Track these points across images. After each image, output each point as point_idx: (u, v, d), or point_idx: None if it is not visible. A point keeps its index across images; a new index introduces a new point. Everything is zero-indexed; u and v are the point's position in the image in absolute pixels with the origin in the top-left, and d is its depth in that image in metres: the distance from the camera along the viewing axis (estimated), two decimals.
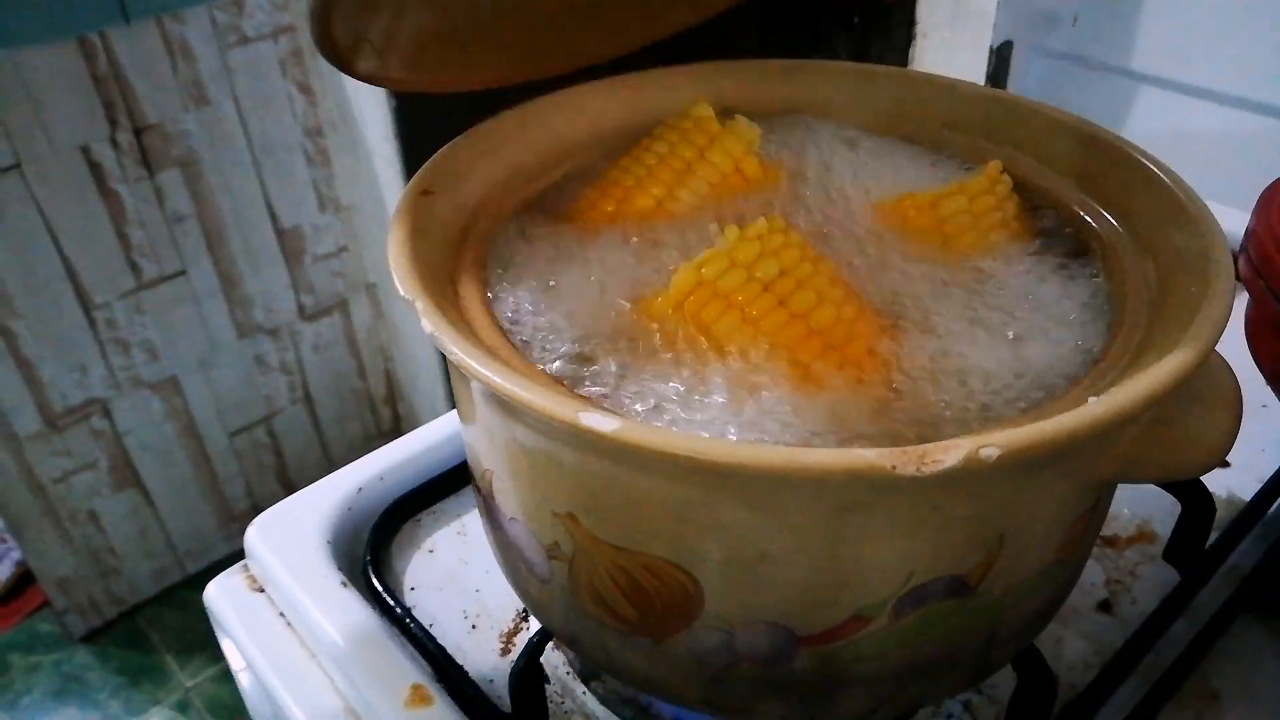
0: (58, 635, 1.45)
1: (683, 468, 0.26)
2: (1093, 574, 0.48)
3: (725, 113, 0.45)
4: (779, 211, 0.41)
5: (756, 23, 0.52)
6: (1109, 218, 0.39)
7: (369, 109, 1.32)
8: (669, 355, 0.34)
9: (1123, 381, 0.29)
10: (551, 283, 0.37)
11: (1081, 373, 0.32)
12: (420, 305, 0.31)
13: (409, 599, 0.48)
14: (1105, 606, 0.47)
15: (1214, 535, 0.48)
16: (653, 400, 0.32)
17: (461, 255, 0.37)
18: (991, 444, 0.25)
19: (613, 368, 0.34)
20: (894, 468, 0.25)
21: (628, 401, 0.32)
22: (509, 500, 0.34)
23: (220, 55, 1.27)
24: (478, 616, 0.47)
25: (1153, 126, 0.72)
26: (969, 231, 0.39)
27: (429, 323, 0.30)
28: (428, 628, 0.46)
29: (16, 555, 1.50)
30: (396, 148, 1.30)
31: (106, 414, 1.35)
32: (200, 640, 1.43)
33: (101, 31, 1.18)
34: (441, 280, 0.35)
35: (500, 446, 0.33)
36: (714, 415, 0.31)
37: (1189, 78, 0.68)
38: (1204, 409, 0.31)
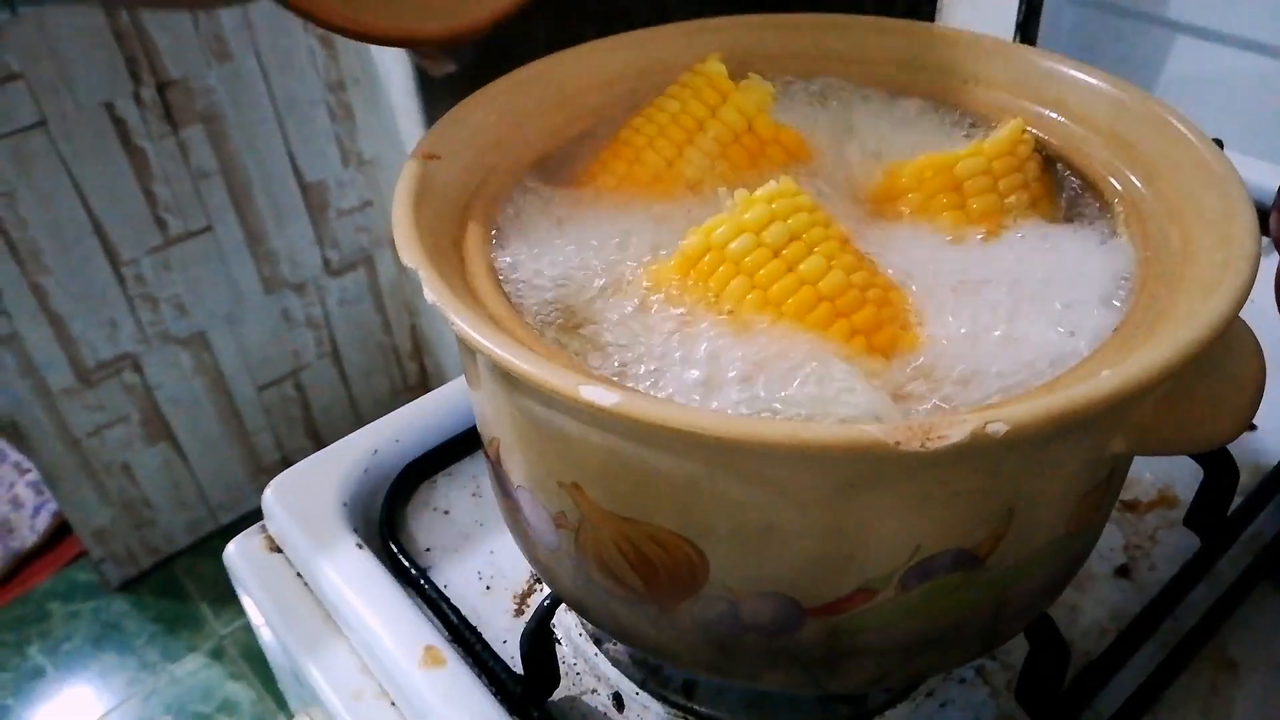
0: (95, 584, 1.48)
1: (684, 442, 0.26)
2: (1111, 538, 0.48)
3: (739, 71, 0.44)
4: (791, 173, 0.40)
5: None
6: (1135, 179, 0.37)
7: (390, 63, 1.31)
8: (678, 322, 0.33)
9: (1138, 352, 0.28)
10: (560, 246, 0.37)
11: (1100, 342, 0.32)
12: (423, 274, 0.31)
13: (424, 560, 0.48)
14: (1124, 572, 0.47)
15: (1237, 501, 0.47)
16: (660, 369, 0.32)
17: (468, 219, 0.37)
18: (999, 419, 0.25)
19: (621, 336, 0.33)
20: (897, 444, 0.25)
21: (635, 370, 0.32)
22: (516, 468, 0.34)
23: (241, 9, 1.26)
24: (492, 578, 0.47)
25: (1189, 77, 0.70)
26: (988, 193, 0.38)
27: (431, 292, 0.30)
28: (443, 589, 0.46)
29: (54, 505, 1.53)
30: (419, 103, 1.29)
31: (137, 369, 1.37)
32: (234, 589, 1.46)
33: None
34: (446, 246, 0.35)
35: (506, 415, 0.32)
36: (721, 385, 0.31)
37: (1228, 26, 0.66)
38: (1224, 378, 0.30)
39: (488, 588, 0.47)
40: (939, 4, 0.73)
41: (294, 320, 1.49)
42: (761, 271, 0.34)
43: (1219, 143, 0.59)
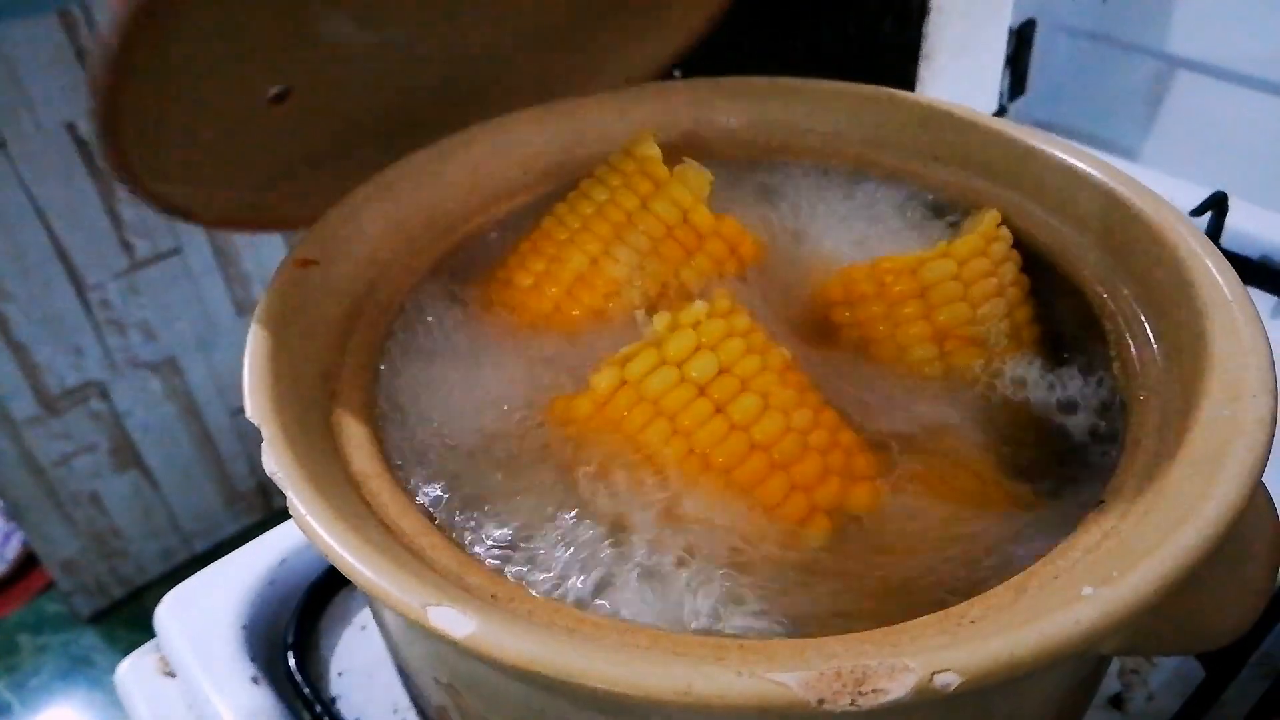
0: (65, 616, 1.44)
1: (555, 687, 0.21)
2: None
3: (685, 142, 0.39)
4: (731, 276, 0.34)
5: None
6: (1128, 292, 0.32)
7: None
8: (585, 480, 0.28)
9: (1125, 554, 0.23)
10: (457, 375, 0.32)
11: (1084, 511, 0.26)
12: (267, 433, 0.26)
13: (335, 686, 0.43)
14: (1117, 702, 0.41)
15: None
16: (561, 547, 0.27)
17: (349, 341, 0.32)
18: (950, 668, 0.20)
19: (517, 499, 0.28)
20: (821, 702, 0.20)
21: (530, 547, 0.27)
22: (396, 648, 0.29)
23: None
24: (409, 710, 0.42)
25: (1190, 116, 0.65)
26: (957, 303, 0.33)
27: (272, 460, 0.25)
28: None
29: (22, 535, 1.49)
30: None
31: (105, 396, 1.32)
32: None
33: (83, 3, 1.13)
34: (313, 381, 0.30)
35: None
36: (626, 565, 0.26)
37: (1233, 63, 0.60)
38: (1231, 565, 0.25)
39: None
40: (924, 32, 0.68)
41: None
42: (685, 415, 0.28)
43: (1222, 202, 0.54)
